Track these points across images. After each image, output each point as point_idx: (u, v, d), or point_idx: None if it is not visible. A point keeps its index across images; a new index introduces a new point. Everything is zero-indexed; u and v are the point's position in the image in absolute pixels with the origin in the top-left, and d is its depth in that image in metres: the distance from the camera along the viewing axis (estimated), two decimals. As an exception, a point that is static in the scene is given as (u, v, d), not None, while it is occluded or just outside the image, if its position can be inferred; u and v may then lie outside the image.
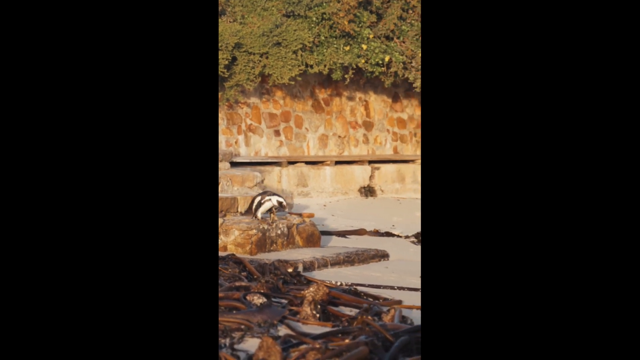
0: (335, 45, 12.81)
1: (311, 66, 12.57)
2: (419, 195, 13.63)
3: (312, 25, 12.55)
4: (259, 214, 8.22)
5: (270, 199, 8.23)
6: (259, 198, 8.27)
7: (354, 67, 13.04)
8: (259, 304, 5.51)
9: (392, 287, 6.81)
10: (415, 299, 6.42)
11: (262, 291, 5.87)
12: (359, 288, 6.52)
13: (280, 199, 8.25)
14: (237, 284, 6.05)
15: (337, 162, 12.94)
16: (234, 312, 5.24)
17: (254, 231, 7.93)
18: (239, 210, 9.24)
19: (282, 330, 5.05)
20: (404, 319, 5.32)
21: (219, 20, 12.03)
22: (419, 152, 15.00)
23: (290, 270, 7.05)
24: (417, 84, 13.90)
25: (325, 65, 12.71)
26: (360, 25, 13.04)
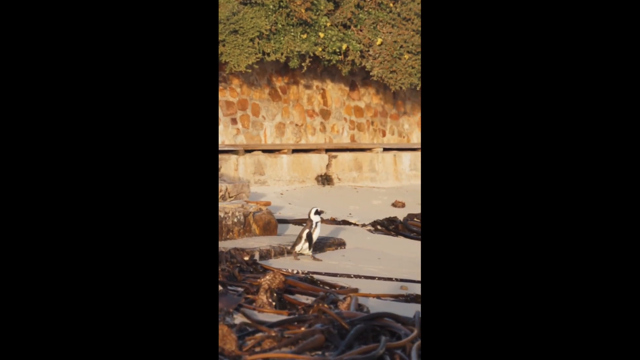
0: (292, 33, 12.77)
1: (268, 54, 12.52)
2: (375, 184, 13.66)
3: (269, 13, 12.49)
4: (315, 236, 7.69)
5: (313, 221, 7.68)
6: (307, 231, 7.63)
7: (311, 55, 13.01)
8: (214, 293, 5.48)
9: (348, 275, 6.81)
10: (372, 287, 6.43)
11: (218, 279, 5.84)
12: (316, 276, 6.51)
13: (317, 208, 7.87)
14: (192, 272, 6.01)
15: (294, 151, 12.92)
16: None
17: (210, 219, 7.89)
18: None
19: (238, 319, 5.03)
20: (360, 307, 5.32)
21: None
22: (376, 141, 15.02)
23: (246, 258, 7.02)
24: (375, 72, 13.91)
25: (282, 54, 12.66)
26: (318, 13, 13.02)
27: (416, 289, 6.48)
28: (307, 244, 7.62)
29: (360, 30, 13.68)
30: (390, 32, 13.99)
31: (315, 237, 7.67)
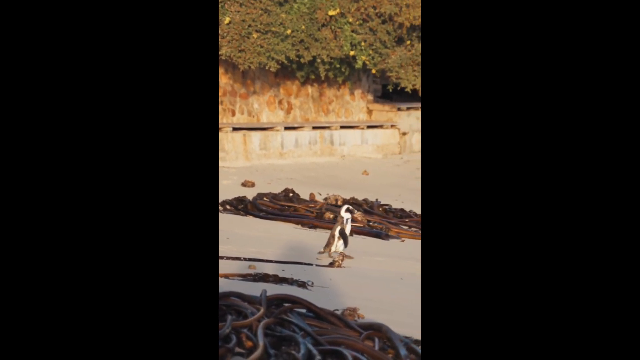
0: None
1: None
2: (225, 164, 13.59)
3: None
4: (347, 232, 7.49)
5: (344, 218, 7.50)
6: (338, 228, 7.45)
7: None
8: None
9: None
10: (220, 266, 6.39)
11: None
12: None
13: (349, 206, 7.69)
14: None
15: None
16: None
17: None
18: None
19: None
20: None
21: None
22: (225, 120, 14.95)
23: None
24: (223, 51, 13.81)
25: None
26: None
27: (264, 268, 6.48)
28: (341, 242, 7.46)
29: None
30: (239, 11, 13.93)
31: (347, 233, 7.52)
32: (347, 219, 7.55)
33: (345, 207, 7.70)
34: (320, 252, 7.52)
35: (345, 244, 7.50)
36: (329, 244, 7.51)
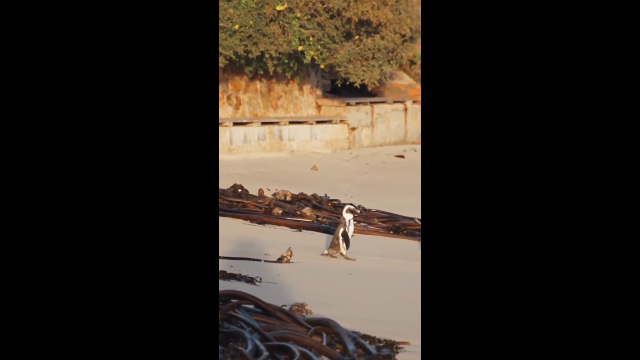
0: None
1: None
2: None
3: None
4: (350, 234, 7.47)
5: (346, 219, 7.46)
6: (341, 230, 7.43)
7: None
8: None
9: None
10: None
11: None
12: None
13: (350, 207, 7.68)
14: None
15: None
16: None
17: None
18: None
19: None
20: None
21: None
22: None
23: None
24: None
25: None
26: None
27: (212, 264, 6.45)
28: (344, 244, 7.43)
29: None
30: (186, 6, 13.83)
31: (350, 235, 7.47)
32: (349, 220, 7.52)
33: (346, 207, 7.66)
34: (323, 254, 7.52)
35: (347, 245, 7.49)
36: (334, 245, 7.49)
